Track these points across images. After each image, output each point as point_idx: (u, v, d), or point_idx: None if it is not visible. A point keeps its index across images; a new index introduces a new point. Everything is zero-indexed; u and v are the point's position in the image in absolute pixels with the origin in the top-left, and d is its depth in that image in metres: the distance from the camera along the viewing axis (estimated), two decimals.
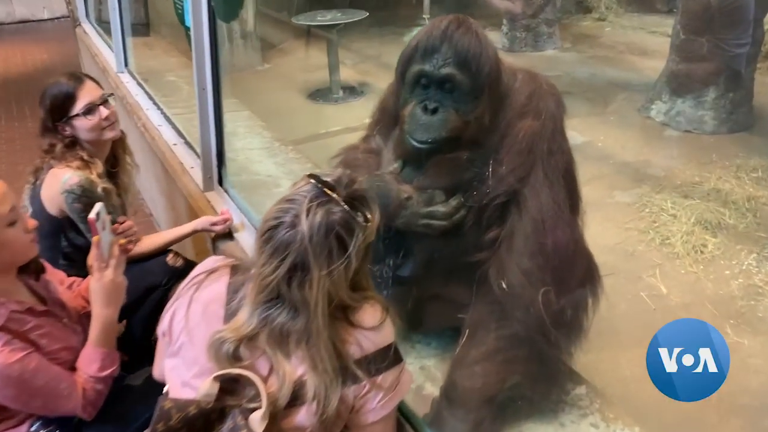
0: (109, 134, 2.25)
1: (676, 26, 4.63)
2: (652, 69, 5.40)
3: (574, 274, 1.54)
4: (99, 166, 2.21)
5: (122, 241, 1.77)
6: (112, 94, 2.27)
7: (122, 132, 2.36)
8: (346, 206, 1.18)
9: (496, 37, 7.11)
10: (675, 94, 4.66)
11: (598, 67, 6.08)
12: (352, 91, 5.87)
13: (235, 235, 2.30)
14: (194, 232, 2.43)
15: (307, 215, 1.15)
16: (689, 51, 4.53)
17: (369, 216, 1.21)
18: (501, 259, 1.50)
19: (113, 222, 2.16)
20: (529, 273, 1.46)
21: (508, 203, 1.53)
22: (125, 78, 4.30)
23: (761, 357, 2.58)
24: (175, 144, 3.09)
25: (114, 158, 2.37)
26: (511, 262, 1.48)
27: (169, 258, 2.30)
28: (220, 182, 2.55)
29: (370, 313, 1.26)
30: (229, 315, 1.26)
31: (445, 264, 1.60)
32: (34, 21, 10.88)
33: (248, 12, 7.14)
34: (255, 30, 7.28)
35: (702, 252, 3.23)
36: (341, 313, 1.24)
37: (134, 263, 2.19)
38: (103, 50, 5.11)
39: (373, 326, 1.24)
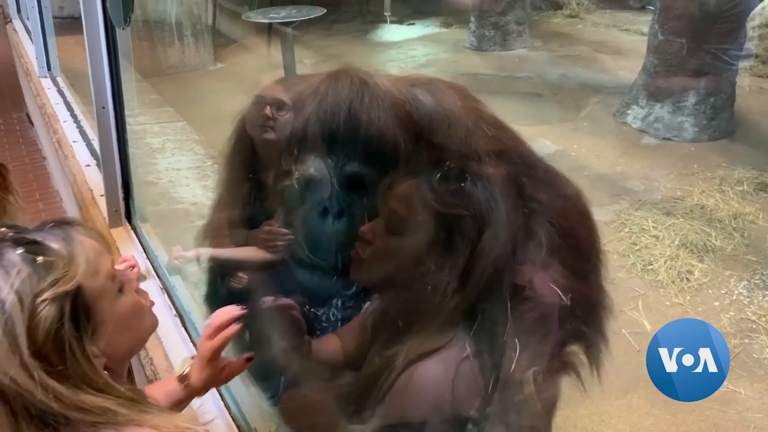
0: None
1: (654, 26, 4.35)
2: (627, 70, 5.23)
3: None
4: None
5: None
6: None
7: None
8: None
9: (463, 36, 6.84)
10: (652, 98, 4.40)
11: (570, 67, 5.86)
12: None
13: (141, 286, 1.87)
14: None
15: None
16: (668, 52, 4.27)
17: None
18: None
19: None
20: None
21: None
22: (46, 83, 3.82)
23: (761, 409, 2.29)
24: (87, 165, 2.64)
25: None
26: None
27: None
28: (129, 217, 2.12)
29: None
30: None
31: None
32: None
33: (201, 7, 6.72)
34: (215, 25, 6.84)
35: (688, 279, 3.02)
36: None
37: None
38: (29, 51, 4.60)
39: None
